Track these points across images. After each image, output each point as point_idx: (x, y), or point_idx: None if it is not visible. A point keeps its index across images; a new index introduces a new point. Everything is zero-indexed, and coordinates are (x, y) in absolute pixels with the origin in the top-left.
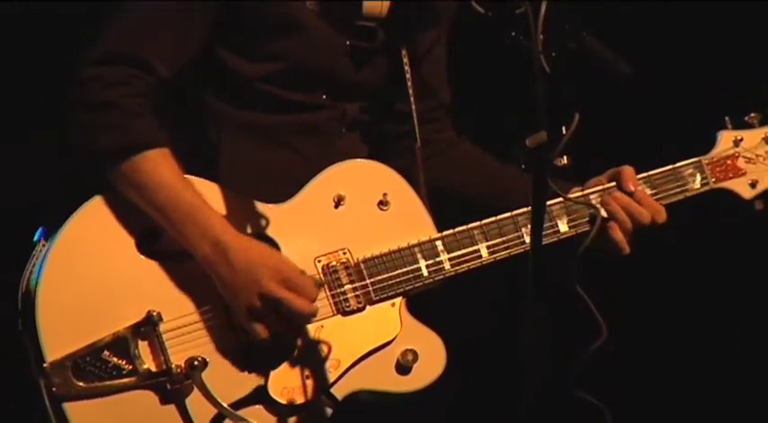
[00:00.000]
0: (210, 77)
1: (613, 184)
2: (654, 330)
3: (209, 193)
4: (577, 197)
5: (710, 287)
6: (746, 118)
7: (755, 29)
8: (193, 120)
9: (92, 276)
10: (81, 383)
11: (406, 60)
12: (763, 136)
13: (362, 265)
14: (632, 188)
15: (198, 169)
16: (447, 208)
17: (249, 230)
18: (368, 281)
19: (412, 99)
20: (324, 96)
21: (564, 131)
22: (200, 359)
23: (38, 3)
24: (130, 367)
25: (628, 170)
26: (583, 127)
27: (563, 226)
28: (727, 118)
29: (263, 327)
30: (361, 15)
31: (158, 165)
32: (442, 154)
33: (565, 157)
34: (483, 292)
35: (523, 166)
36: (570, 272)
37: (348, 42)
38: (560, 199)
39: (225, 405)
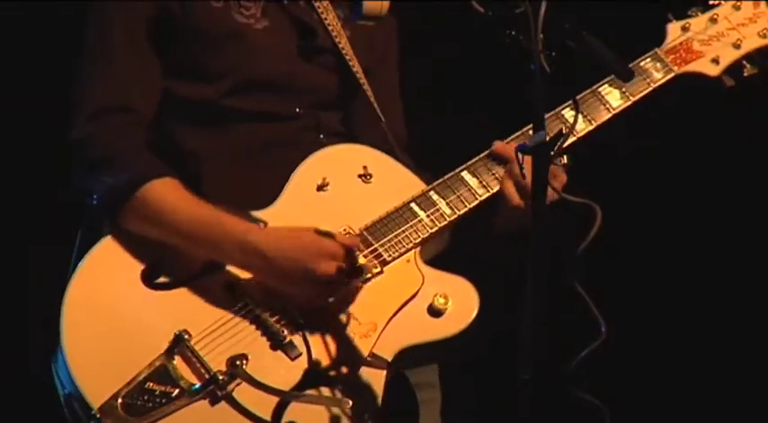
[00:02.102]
0: (179, 113)
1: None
2: (653, 329)
3: None
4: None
5: (710, 285)
6: (689, 12)
7: None
8: (171, 157)
9: (111, 320)
10: (137, 419)
11: (351, 62)
12: (709, 18)
13: (366, 233)
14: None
15: None
16: None
17: None
18: (376, 244)
19: (365, 85)
20: (297, 109)
21: (563, 131)
22: (240, 357)
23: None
24: (177, 390)
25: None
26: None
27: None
28: (669, 15)
29: (329, 297)
30: (362, 15)
31: (167, 192)
32: None
33: (564, 157)
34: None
35: (523, 167)
36: (569, 269)
37: (293, 43)
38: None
39: (284, 389)
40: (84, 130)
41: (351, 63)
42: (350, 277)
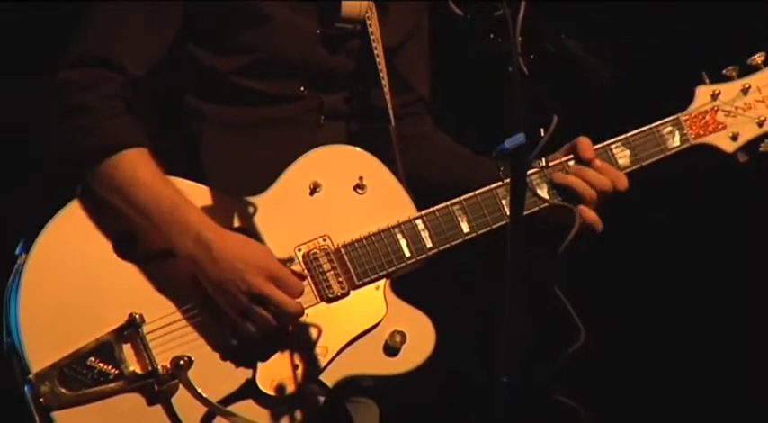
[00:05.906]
0: (188, 76)
1: (570, 157)
2: (634, 331)
3: (185, 192)
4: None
5: (695, 287)
6: (724, 71)
7: None
8: (175, 119)
9: (71, 284)
10: (69, 392)
11: (376, 49)
12: (741, 88)
13: (343, 251)
14: (590, 156)
15: (182, 168)
16: (427, 196)
17: (226, 225)
18: (349, 265)
19: (384, 80)
20: (302, 88)
21: (542, 133)
22: (185, 358)
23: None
24: (116, 371)
25: (583, 141)
26: (562, 129)
27: (542, 193)
28: (703, 73)
29: (250, 323)
30: (340, 17)
31: (137, 165)
32: (418, 146)
33: (543, 160)
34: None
35: (501, 169)
36: (550, 272)
37: (318, 30)
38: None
39: (213, 402)
40: (62, 75)
41: (375, 49)
42: (278, 312)
